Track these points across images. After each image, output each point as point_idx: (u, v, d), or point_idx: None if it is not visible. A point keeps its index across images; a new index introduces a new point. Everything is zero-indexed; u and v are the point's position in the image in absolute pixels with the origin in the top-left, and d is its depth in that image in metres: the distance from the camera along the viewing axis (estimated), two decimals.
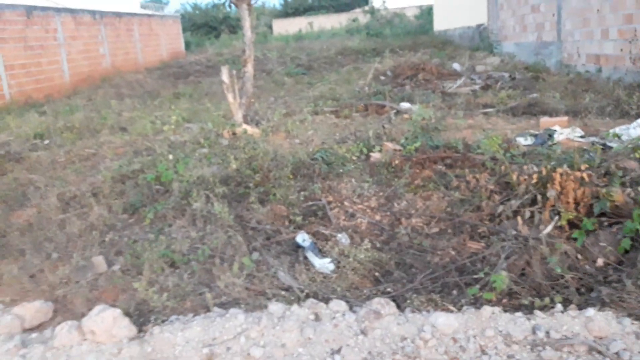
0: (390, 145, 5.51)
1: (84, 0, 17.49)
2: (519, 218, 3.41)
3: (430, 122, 6.25)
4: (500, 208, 3.66)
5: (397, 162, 4.89)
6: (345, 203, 4.26)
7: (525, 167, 4.04)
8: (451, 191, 4.17)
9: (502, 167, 4.20)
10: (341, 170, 4.94)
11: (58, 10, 15.40)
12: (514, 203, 3.62)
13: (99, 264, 3.56)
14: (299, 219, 3.97)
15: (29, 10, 13.79)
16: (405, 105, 8.17)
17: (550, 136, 5.50)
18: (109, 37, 18.42)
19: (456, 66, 11.88)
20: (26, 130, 8.15)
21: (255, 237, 3.83)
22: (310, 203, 4.27)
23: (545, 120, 6.35)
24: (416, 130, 5.82)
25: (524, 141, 5.52)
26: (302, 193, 4.42)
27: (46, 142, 7.50)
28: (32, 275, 3.54)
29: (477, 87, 9.47)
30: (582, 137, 5.56)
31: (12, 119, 9.16)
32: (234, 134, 6.67)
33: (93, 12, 17.59)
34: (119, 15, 19.67)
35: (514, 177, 3.83)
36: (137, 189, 4.77)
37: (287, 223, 4.01)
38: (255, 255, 3.51)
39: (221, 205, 4.00)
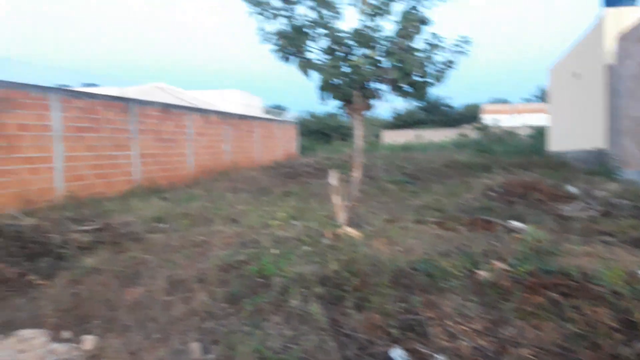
0: (498, 264, 5.23)
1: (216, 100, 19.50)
2: None
3: (543, 244, 5.90)
4: (623, 349, 3.26)
5: (506, 283, 4.61)
6: (447, 321, 4.03)
7: None
8: (566, 323, 3.80)
9: (625, 303, 3.79)
10: (444, 285, 4.73)
11: (190, 109, 17.28)
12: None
13: (195, 350, 3.62)
14: (395, 331, 3.80)
15: (166, 107, 15.61)
16: (515, 223, 7.83)
17: None
18: (232, 135, 20.13)
19: (572, 189, 11.30)
20: (148, 213, 8.86)
21: (348, 345, 3.70)
22: (409, 316, 4.10)
23: None
24: (528, 252, 5.50)
25: None
26: (400, 304, 4.27)
27: (164, 225, 8.07)
28: (132, 353, 3.67)
29: (595, 212, 8.88)
30: None
31: (137, 202, 10.07)
32: (336, 235, 6.76)
33: (220, 113, 19.50)
34: (243, 117, 21.61)
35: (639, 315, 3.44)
36: (240, 279, 4.90)
37: (382, 334, 3.85)
38: None
39: (317, 306, 3.97)
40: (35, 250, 6.08)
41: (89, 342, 3.83)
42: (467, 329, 3.95)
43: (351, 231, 6.88)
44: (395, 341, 3.71)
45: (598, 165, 15.37)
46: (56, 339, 3.95)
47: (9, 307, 4.49)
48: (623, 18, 14.37)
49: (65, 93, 11.51)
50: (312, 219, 7.92)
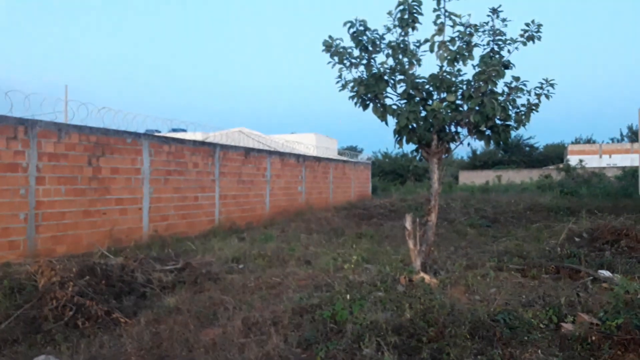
0: (586, 317, 4.90)
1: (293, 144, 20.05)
2: None
3: (635, 296, 5.46)
4: None
5: (594, 338, 4.30)
6: None
7: None
8: None
9: None
10: (526, 338, 4.50)
11: (270, 153, 17.89)
12: None
13: None
14: None
15: (247, 151, 16.26)
16: (604, 273, 7.31)
17: None
18: (307, 177, 20.54)
19: None
20: (226, 253, 9.16)
21: None
22: None
23: None
24: (618, 305, 5.12)
25: None
26: (479, 357, 4.09)
27: (241, 266, 8.30)
28: None
29: None
30: None
31: (216, 242, 10.45)
32: (410, 280, 6.64)
33: (297, 156, 20.03)
34: (318, 159, 22.03)
35: None
36: (313, 323, 4.92)
37: None
38: None
39: (391, 356, 3.90)
40: (121, 288, 6.44)
41: None
42: None
43: (427, 277, 6.73)
44: None
45: None
46: None
47: (96, 344, 4.75)
48: None
49: (155, 139, 12.34)
50: (385, 263, 7.83)
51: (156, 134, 16.18)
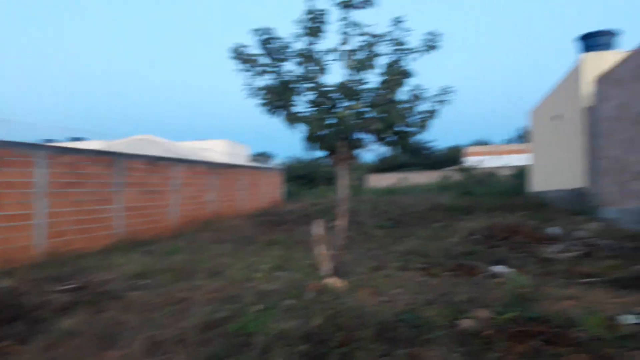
0: (482, 312, 5.21)
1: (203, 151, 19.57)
2: None
3: (526, 290, 5.91)
4: None
5: (489, 332, 4.59)
6: None
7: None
8: None
9: (606, 349, 3.79)
10: (428, 336, 4.70)
11: (178, 161, 17.32)
12: None
13: None
14: None
15: (153, 160, 15.64)
16: (499, 268, 7.85)
17: None
18: (218, 185, 20.13)
19: (554, 230, 11.42)
20: (129, 268, 8.73)
21: None
22: None
23: None
24: (511, 298, 5.51)
25: (630, 320, 4.98)
26: (385, 358, 4.21)
27: (145, 282, 7.94)
28: None
29: (576, 253, 8.95)
30: None
31: (119, 257, 9.93)
32: (320, 286, 6.70)
33: (207, 164, 19.57)
34: (229, 166, 21.68)
35: None
36: (222, 338, 4.81)
37: None
38: None
39: None
40: (11, 313, 5.92)
41: None
42: None
43: (336, 282, 6.84)
44: None
45: (579, 205, 15.60)
46: None
47: None
48: (600, 62, 14.96)
49: (51, 149, 11.49)
50: (297, 269, 7.86)
51: (54, 144, 15.11)
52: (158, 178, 15.75)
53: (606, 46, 17.63)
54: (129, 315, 5.84)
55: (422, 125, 7.38)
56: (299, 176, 45.38)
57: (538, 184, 22.25)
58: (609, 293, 6.42)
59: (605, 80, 13.80)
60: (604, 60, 14.88)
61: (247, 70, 7.10)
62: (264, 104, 7.17)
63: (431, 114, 7.39)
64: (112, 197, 13.44)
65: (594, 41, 17.96)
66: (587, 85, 15.14)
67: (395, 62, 7.23)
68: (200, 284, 7.45)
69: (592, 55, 15.42)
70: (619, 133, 12.78)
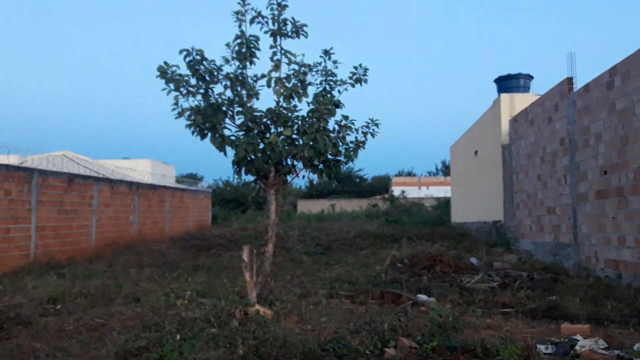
0: (405, 341, 5.30)
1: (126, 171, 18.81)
2: None
3: (447, 319, 6.08)
4: None
5: None
6: None
7: None
8: None
9: None
10: None
11: (98, 179, 16.55)
12: None
13: None
14: None
15: (71, 178, 14.85)
16: (422, 297, 8.06)
17: (572, 347, 5.25)
18: (141, 206, 19.39)
19: (474, 260, 11.93)
20: (41, 292, 8.16)
21: None
22: None
23: (566, 326, 6.12)
24: (433, 328, 5.64)
25: (544, 349, 5.26)
26: None
27: (58, 307, 7.45)
28: None
29: (494, 284, 9.38)
30: (605, 349, 5.29)
31: (30, 280, 9.27)
32: (246, 314, 6.56)
33: (129, 184, 18.82)
34: (153, 187, 20.95)
35: None
36: None
37: None
38: None
39: None
40: None
41: None
42: None
43: (262, 310, 6.72)
44: None
45: (496, 236, 16.43)
46: None
47: None
48: (515, 103, 16.07)
49: None
50: (221, 297, 7.66)
51: None
52: (76, 197, 14.96)
53: (521, 88, 19.01)
54: (39, 342, 5.44)
55: (351, 154, 7.54)
56: (229, 200, 44.75)
57: (459, 215, 23.25)
58: (525, 323, 6.75)
59: (520, 120, 14.79)
60: (519, 102, 16.00)
61: (175, 90, 6.94)
62: (192, 126, 7.03)
63: (359, 144, 7.58)
64: (26, 216, 12.60)
65: (509, 83, 19.38)
66: (504, 124, 16.16)
67: (325, 92, 7.38)
68: (118, 310, 7.09)
69: (508, 96, 16.52)
70: (532, 170, 13.68)
